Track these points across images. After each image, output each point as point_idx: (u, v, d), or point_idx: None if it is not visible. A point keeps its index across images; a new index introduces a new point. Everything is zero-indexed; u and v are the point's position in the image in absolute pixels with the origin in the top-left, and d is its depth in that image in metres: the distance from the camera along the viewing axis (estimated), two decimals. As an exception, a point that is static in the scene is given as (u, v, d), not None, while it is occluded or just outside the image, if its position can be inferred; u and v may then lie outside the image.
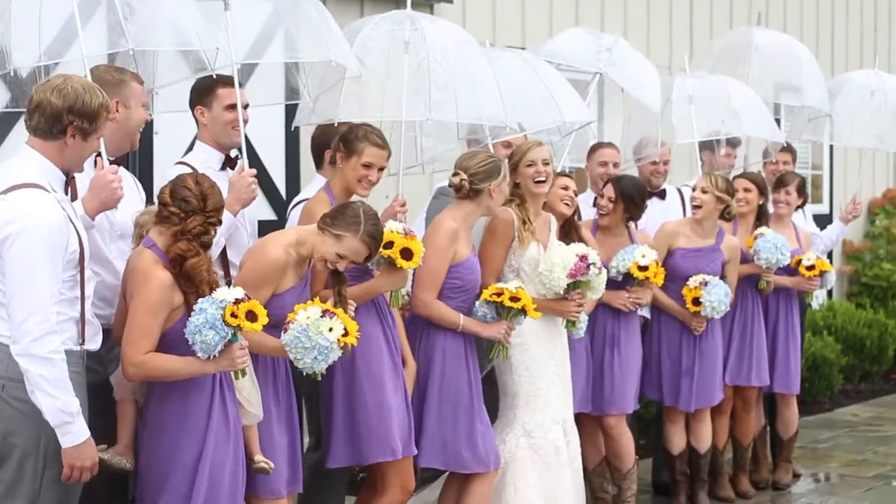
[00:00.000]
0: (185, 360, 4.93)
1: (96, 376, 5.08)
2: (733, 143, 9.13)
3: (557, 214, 6.96)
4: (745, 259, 8.20)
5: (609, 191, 7.55)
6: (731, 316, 8.20)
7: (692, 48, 11.78)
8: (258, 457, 5.36)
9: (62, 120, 4.71)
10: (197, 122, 6.25)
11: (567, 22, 10.92)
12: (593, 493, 7.67)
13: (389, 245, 5.81)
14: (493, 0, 10.77)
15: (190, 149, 6.45)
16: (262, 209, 7.59)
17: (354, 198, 6.00)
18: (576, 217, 7.18)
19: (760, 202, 8.39)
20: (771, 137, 9.15)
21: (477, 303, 6.34)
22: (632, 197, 7.53)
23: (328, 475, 6.25)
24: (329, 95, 6.60)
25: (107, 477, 5.11)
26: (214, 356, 4.89)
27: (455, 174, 6.31)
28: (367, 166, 6.00)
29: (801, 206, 8.90)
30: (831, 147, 13.64)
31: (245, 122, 6.14)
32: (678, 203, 8.72)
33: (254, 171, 5.90)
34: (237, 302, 4.86)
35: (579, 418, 7.37)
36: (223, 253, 5.92)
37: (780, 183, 8.77)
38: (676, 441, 8.07)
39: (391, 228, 5.84)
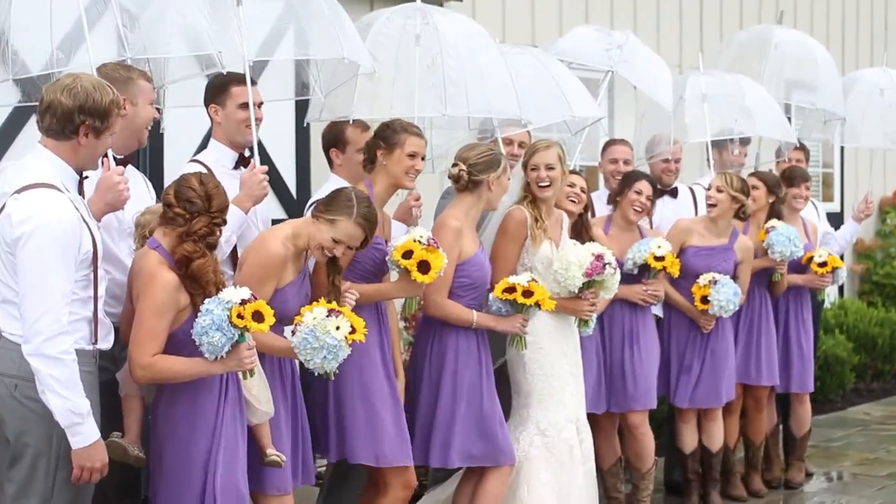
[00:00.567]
0: (193, 362, 4.91)
1: (108, 375, 5.07)
2: (744, 141, 9.10)
3: (566, 212, 6.94)
4: (756, 254, 8.17)
5: (646, 188, 7.55)
6: (742, 317, 8.17)
7: (702, 46, 11.75)
8: (270, 450, 5.36)
9: (74, 120, 4.70)
10: (211, 120, 6.25)
11: (577, 20, 10.91)
12: (606, 492, 7.66)
13: (409, 254, 5.80)
14: (502, -3, 10.78)
15: (203, 147, 6.43)
16: (272, 207, 7.57)
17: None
18: (588, 214, 7.16)
19: (771, 200, 8.35)
20: (784, 138, 9.13)
21: (490, 297, 6.32)
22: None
23: (344, 476, 6.23)
24: (342, 92, 6.58)
25: (119, 477, 5.11)
26: (222, 357, 4.88)
27: (454, 165, 6.31)
28: (412, 156, 6.01)
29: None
30: (842, 146, 13.61)
31: (259, 120, 6.13)
32: (690, 201, 8.70)
33: (265, 167, 5.88)
34: (243, 303, 4.84)
35: (596, 418, 7.39)
36: (234, 251, 5.91)
37: (800, 178, 8.73)
38: (688, 440, 8.05)
39: (414, 236, 5.82)
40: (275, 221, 6.54)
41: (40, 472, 4.67)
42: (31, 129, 6.94)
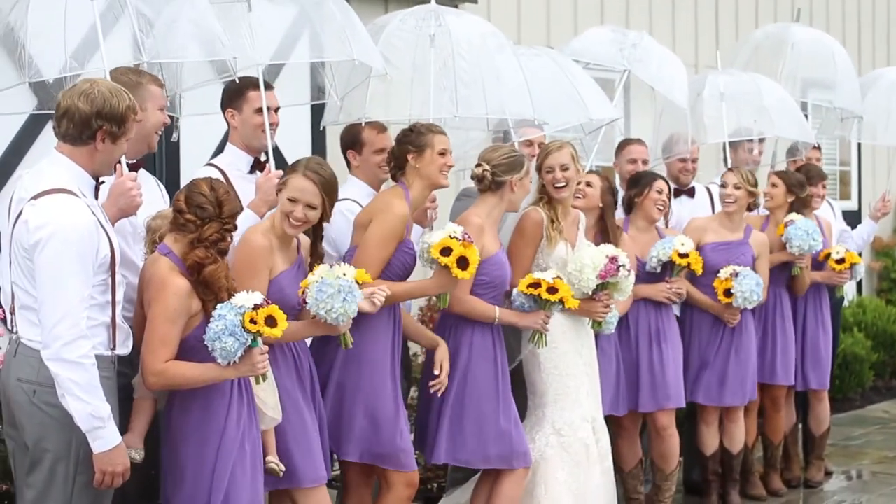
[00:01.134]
0: (206, 367, 4.91)
1: (127, 380, 5.07)
2: (760, 139, 9.08)
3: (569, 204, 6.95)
4: (773, 249, 8.16)
5: (665, 186, 7.59)
6: (761, 315, 8.16)
7: (718, 45, 11.73)
8: (269, 457, 5.35)
9: (91, 125, 4.71)
10: (228, 124, 6.26)
11: (592, 20, 10.90)
12: (627, 493, 7.65)
13: (447, 251, 5.79)
14: (517, -1, 10.78)
15: (219, 151, 6.45)
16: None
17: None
18: (610, 214, 7.14)
19: (790, 199, 8.33)
20: (802, 137, 9.10)
21: (514, 292, 6.33)
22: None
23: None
24: (356, 94, 6.59)
25: (138, 480, 5.11)
26: (234, 362, 4.88)
27: (478, 165, 6.31)
28: (443, 153, 6.01)
29: None
30: (859, 143, 13.57)
31: (276, 125, 6.14)
32: (707, 201, 8.68)
33: (280, 172, 5.90)
34: (256, 308, 4.84)
35: (619, 419, 7.40)
36: None
37: (817, 177, 8.72)
38: (710, 442, 8.04)
39: (449, 233, 5.83)
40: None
41: (59, 478, 4.68)
42: (46, 137, 6.99)
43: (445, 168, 6.04)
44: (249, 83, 6.06)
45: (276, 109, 6.20)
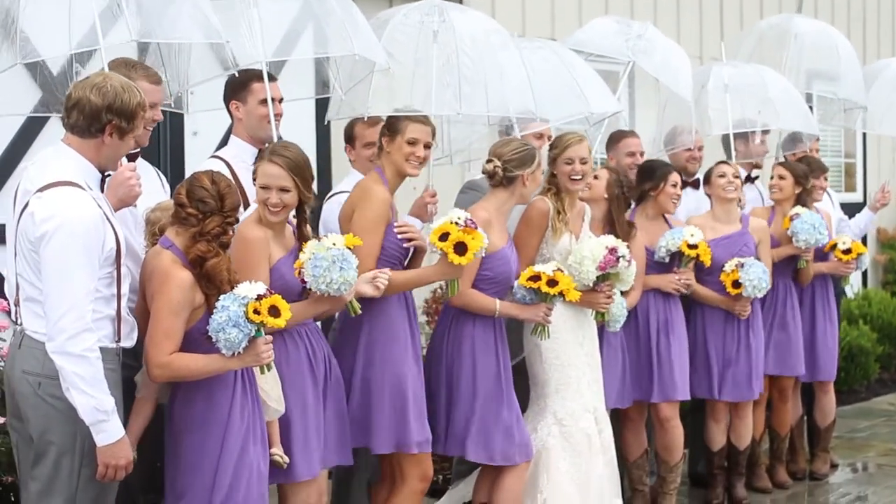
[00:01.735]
0: (210, 358, 4.90)
1: (132, 372, 5.07)
2: (765, 130, 9.07)
3: (578, 196, 6.95)
4: (777, 245, 8.15)
5: (678, 179, 7.61)
6: (768, 308, 8.16)
7: (723, 36, 11.71)
8: (274, 449, 5.34)
9: (101, 118, 4.71)
10: (232, 116, 6.26)
11: (596, 12, 10.88)
12: (632, 484, 7.65)
13: (445, 237, 5.78)
14: (522, -9, 10.76)
15: (224, 143, 6.45)
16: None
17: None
18: (617, 207, 7.12)
19: (797, 191, 8.32)
20: (807, 129, 9.08)
21: (515, 284, 6.32)
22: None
23: (351, 469, 6.23)
24: (359, 89, 6.59)
25: (143, 473, 5.12)
26: (239, 353, 4.87)
27: (489, 161, 6.31)
28: (412, 143, 5.94)
29: None
30: (864, 135, 13.56)
31: (279, 116, 6.14)
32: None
33: None
34: (259, 298, 4.84)
35: (625, 410, 7.41)
36: None
37: (819, 170, 8.71)
38: (718, 438, 8.03)
39: (451, 218, 5.81)
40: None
41: (64, 471, 4.68)
42: (49, 132, 7.02)
43: (412, 157, 5.96)
44: (253, 75, 6.06)
45: (280, 100, 6.21)
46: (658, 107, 8.95)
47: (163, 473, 5.15)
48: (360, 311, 5.58)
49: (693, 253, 7.38)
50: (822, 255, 8.44)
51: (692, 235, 7.40)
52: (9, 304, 4.96)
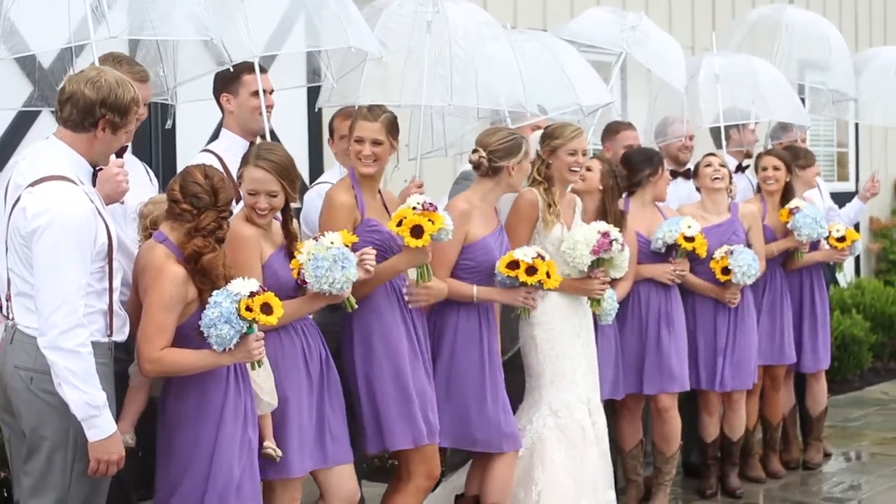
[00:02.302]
0: (202, 354, 4.90)
1: (124, 366, 5.07)
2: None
3: (577, 189, 6.96)
4: (773, 237, 8.15)
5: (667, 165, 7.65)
6: (760, 295, 8.16)
7: (715, 27, 11.71)
8: (267, 442, 5.34)
9: (95, 113, 4.69)
10: (222, 109, 6.25)
11: (588, 2, 10.88)
12: (626, 474, 7.66)
13: (402, 223, 5.73)
14: (514, -19, 10.75)
15: (215, 137, 6.44)
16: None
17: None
18: (611, 197, 7.11)
19: (787, 179, 8.33)
20: (797, 121, 9.10)
21: (496, 269, 6.26)
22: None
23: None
24: (351, 77, 6.59)
25: (135, 468, 5.12)
26: (230, 349, 4.87)
27: (474, 151, 6.28)
28: (359, 141, 5.84)
29: None
30: (856, 124, 13.57)
31: (271, 107, 6.13)
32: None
33: None
34: (252, 295, 4.83)
35: (622, 399, 7.41)
36: None
37: (812, 157, 8.73)
38: (711, 430, 8.04)
39: (409, 203, 5.76)
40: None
41: (57, 465, 4.67)
42: (40, 126, 7.00)
43: (359, 156, 5.87)
44: (244, 67, 6.05)
45: (272, 92, 6.20)
46: (650, 97, 8.96)
47: (154, 468, 5.15)
48: (356, 307, 5.58)
49: (690, 246, 7.38)
50: (813, 244, 8.44)
51: (689, 227, 7.39)
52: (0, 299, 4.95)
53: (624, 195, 7.46)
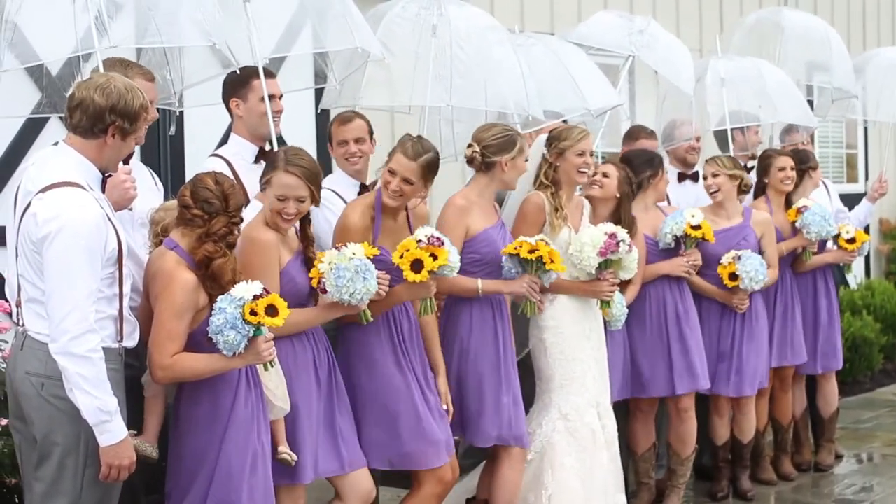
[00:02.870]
0: (212, 358, 4.90)
1: (134, 371, 5.07)
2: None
3: (590, 198, 6.96)
4: (780, 237, 8.14)
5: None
6: (773, 298, 8.14)
7: (722, 30, 11.71)
8: (282, 448, 5.35)
9: (104, 119, 4.70)
10: (231, 114, 6.25)
11: (596, 5, 10.87)
12: (638, 477, 7.65)
13: (403, 255, 5.71)
14: (521, -15, 10.75)
15: (223, 142, 6.45)
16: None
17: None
18: (626, 202, 7.11)
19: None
20: (805, 122, 9.10)
21: (502, 258, 6.29)
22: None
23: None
24: (354, 79, 6.63)
25: (146, 474, 5.12)
26: (240, 352, 4.87)
27: (469, 145, 6.29)
28: (392, 172, 5.82)
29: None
30: (865, 126, 13.55)
31: (280, 112, 6.13)
32: (709, 186, 8.66)
33: None
34: (256, 298, 4.83)
35: (637, 402, 7.45)
36: None
37: (815, 159, 8.73)
38: (722, 433, 8.03)
39: (417, 235, 5.75)
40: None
41: (69, 471, 4.68)
42: (48, 133, 7.00)
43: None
44: (253, 72, 6.05)
45: (281, 97, 6.20)
46: (658, 100, 8.97)
47: (165, 473, 5.15)
48: (371, 320, 5.58)
49: (698, 234, 7.36)
50: (820, 245, 8.43)
51: (693, 216, 7.38)
52: (10, 305, 4.96)
53: None
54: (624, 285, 6.98)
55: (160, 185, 5.90)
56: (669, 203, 8.00)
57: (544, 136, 6.76)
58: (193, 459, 5.02)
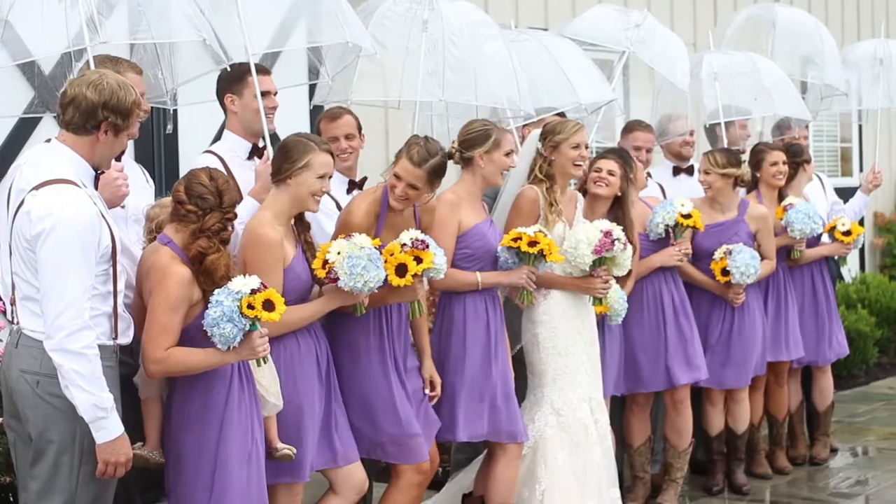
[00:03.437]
0: (206, 353, 4.90)
1: (128, 369, 5.07)
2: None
3: (596, 198, 6.95)
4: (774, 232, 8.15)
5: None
6: (764, 293, 8.14)
7: (716, 24, 11.70)
8: (279, 444, 5.35)
9: (97, 115, 4.70)
10: (225, 110, 6.24)
11: (590, 0, 10.85)
12: (633, 471, 7.65)
13: (388, 259, 5.71)
14: (515, -21, 10.74)
15: (218, 139, 6.44)
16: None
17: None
18: (625, 200, 7.10)
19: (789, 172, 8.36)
20: (800, 115, 9.11)
21: (499, 249, 6.30)
22: None
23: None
24: (345, 74, 6.63)
25: (141, 472, 5.12)
26: (234, 347, 4.87)
27: (452, 141, 6.30)
28: (397, 177, 5.82)
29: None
30: (860, 123, 13.56)
31: (275, 108, 6.13)
32: (703, 180, 8.66)
33: None
34: (254, 292, 4.83)
35: (633, 395, 7.45)
36: None
37: (807, 154, 8.74)
38: (715, 423, 8.03)
39: (401, 238, 5.76)
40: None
41: (64, 469, 4.68)
42: (39, 134, 7.00)
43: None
44: (248, 68, 6.04)
45: (276, 93, 6.20)
46: (652, 94, 8.97)
47: (161, 471, 5.15)
48: (365, 311, 5.60)
49: (689, 222, 7.37)
50: (815, 237, 8.43)
51: (683, 205, 7.38)
52: (3, 303, 4.95)
53: None
54: (621, 280, 6.98)
55: (151, 182, 5.90)
56: (665, 197, 7.99)
57: (537, 131, 6.75)
58: (189, 455, 5.02)
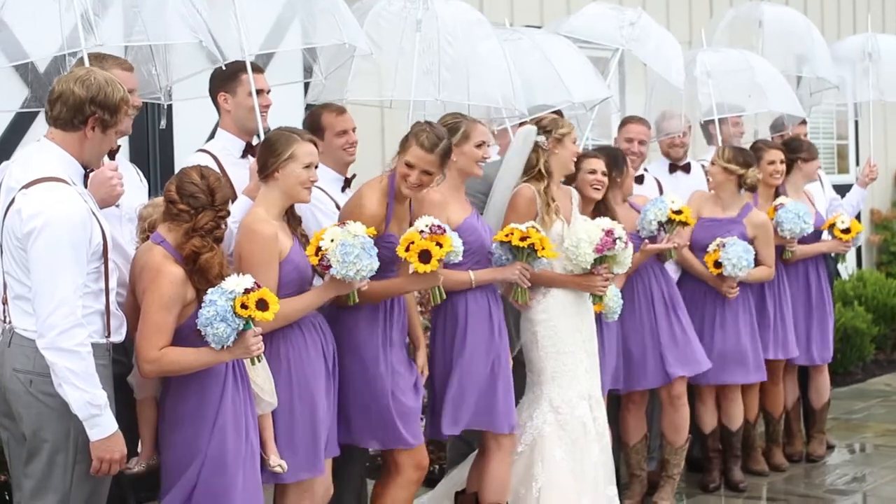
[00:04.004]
0: (200, 352, 4.89)
1: (122, 367, 5.07)
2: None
3: (588, 199, 6.94)
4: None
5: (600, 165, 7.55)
6: (762, 292, 8.14)
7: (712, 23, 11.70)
8: (273, 458, 5.34)
9: (84, 110, 4.70)
10: (219, 109, 6.23)
11: (584, -1, 10.86)
12: (630, 469, 7.65)
13: (409, 247, 5.71)
14: (510, -23, 10.74)
15: (212, 137, 6.43)
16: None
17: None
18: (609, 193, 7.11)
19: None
20: (793, 112, 9.11)
21: (493, 245, 6.30)
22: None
23: (347, 458, 6.22)
24: (340, 73, 6.62)
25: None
26: (228, 346, 4.86)
27: None
28: (409, 165, 5.82)
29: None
30: (856, 120, 13.57)
31: (268, 106, 6.12)
32: (702, 176, 8.66)
33: None
34: (247, 292, 4.82)
35: (629, 393, 7.43)
36: None
37: (815, 150, 8.73)
38: (708, 420, 8.04)
39: (418, 226, 5.76)
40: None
41: (58, 467, 4.68)
42: (36, 130, 6.99)
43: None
44: (241, 66, 6.03)
45: (269, 91, 6.19)
46: (647, 92, 8.97)
47: (155, 470, 5.15)
48: (357, 301, 5.58)
49: (681, 218, 7.35)
50: (814, 235, 8.43)
51: (673, 202, 7.36)
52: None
53: None
54: (616, 278, 6.98)
55: (145, 181, 5.90)
56: (662, 192, 7.99)
57: (529, 128, 6.72)
58: (184, 454, 5.01)
